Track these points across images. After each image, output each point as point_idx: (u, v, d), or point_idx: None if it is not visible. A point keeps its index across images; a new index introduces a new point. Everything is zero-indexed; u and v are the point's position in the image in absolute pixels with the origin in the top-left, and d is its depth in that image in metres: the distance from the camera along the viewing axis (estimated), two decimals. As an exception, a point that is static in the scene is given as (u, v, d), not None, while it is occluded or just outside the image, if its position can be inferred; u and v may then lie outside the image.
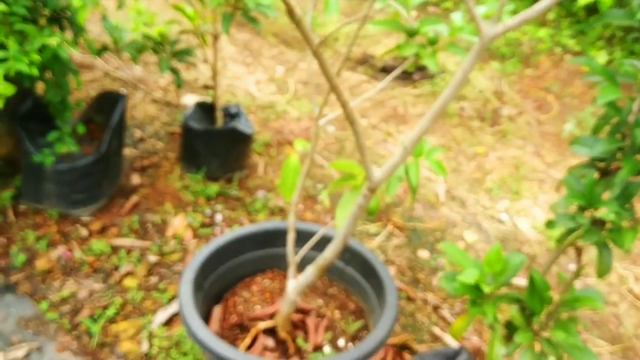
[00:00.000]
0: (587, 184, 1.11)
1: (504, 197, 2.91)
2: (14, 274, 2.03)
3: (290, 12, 0.85)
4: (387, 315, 1.36)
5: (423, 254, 2.48)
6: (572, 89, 4.03)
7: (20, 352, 1.68)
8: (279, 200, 2.61)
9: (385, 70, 3.93)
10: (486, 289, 1.13)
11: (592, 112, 3.58)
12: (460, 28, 1.54)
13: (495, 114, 3.64)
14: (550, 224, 1.12)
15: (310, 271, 1.36)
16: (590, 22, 4.53)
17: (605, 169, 1.18)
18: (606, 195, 1.11)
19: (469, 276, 1.15)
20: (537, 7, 0.89)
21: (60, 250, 2.14)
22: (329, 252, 1.28)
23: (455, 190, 2.90)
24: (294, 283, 1.40)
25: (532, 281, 1.14)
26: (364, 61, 3.98)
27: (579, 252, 1.17)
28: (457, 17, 1.58)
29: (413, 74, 3.87)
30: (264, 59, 3.92)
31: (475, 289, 1.17)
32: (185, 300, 1.35)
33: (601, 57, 4.23)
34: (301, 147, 1.58)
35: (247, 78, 3.68)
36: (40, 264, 2.08)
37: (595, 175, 1.18)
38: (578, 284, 2.37)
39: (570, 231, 1.13)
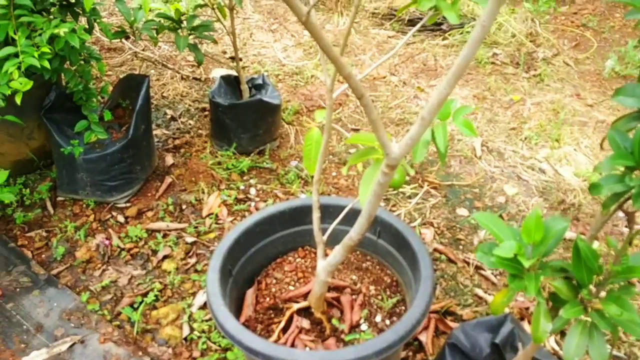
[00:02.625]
0: (635, 140, 0.98)
1: (543, 145, 2.77)
2: (55, 266, 2.06)
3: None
4: (423, 291, 1.30)
5: (462, 212, 2.40)
6: (611, 23, 3.77)
7: (64, 346, 1.71)
8: (313, 170, 2.56)
9: (414, 23, 3.77)
10: (526, 263, 1.05)
11: (634, 46, 3.35)
12: (483, -26, 1.41)
13: (530, 58, 3.45)
14: (594, 189, 1.01)
15: (338, 251, 1.31)
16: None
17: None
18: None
19: (507, 250, 1.07)
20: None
21: (98, 239, 2.16)
22: (355, 232, 1.23)
23: (492, 143, 2.78)
24: (324, 263, 1.36)
25: (577, 250, 1.05)
26: (391, 16, 3.83)
27: (630, 217, 1.06)
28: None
29: (442, 24, 3.70)
30: (290, 24, 3.81)
31: (514, 261, 1.09)
32: (212, 289, 1.32)
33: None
34: (321, 118, 1.51)
35: (274, 45, 3.59)
36: (80, 254, 2.10)
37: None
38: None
39: (618, 194, 1.02)
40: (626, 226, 2.27)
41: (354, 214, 1.42)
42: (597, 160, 2.65)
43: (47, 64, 1.81)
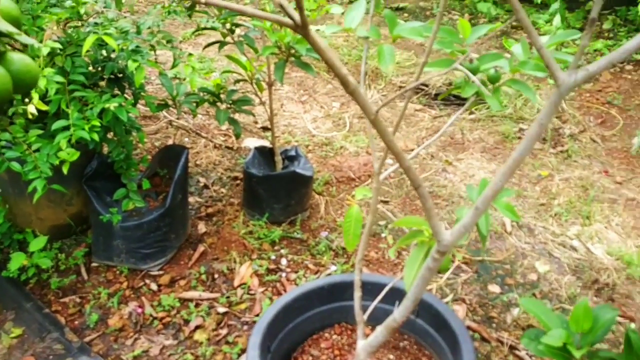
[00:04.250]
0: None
1: (574, 222, 2.77)
2: (87, 333, 2.07)
3: (344, 84, 0.82)
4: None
5: (494, 288, 2.38)
6: (636, 101, 3.83)
7: (97, 418, 1.70)
8: (342, 241, 2.58)
9: (438, 97, 3.86)
10: (577, 353, 1.05)
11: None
12: (523, 63, 1.46)
13: (557, 134, 3.49)
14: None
15: (380, 331, 1.31)
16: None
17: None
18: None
19: (556, 338, 1.07)
20: (625, 48, 0.81)
21: (131, 307, 2.17)
22: (399, 314, 1.23)
23: (521, 219, 2.78)
24: (364, 343, 1.36)
25: (629, 342, 1.05)
26: (418, 90, 3.92)
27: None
28: (517, 50, 1.51)
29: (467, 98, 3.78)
30: (319, 96, 3.93)
31: (564, 350, 1.09)
32: (255, 367, 1.33)
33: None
34: (361, 196, 1.54)
35: (304, 116, 3.69)
36: (113, 321, 2.11)
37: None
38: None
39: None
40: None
41: (392, 292, 1.43)
42: (629, 239, 2.64)
43: (96, 137, 1.88)
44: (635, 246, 2.59)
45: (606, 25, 4.75)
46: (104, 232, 2.31)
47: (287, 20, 0.64)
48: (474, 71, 1.45)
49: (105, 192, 2.35)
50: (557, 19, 3.75)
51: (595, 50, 4.29)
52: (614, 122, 3.63)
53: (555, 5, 3.98)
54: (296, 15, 0.62)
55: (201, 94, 2.44)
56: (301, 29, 0.63)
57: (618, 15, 4.77)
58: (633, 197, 2.93)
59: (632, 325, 2.15)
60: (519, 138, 3.47)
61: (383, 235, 2.66)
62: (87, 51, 1.92)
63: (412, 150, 3.34)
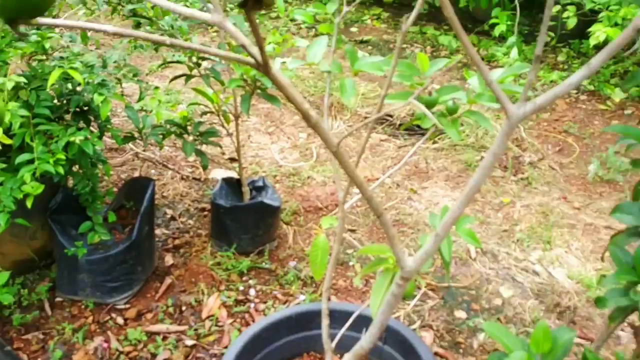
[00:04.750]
0: (636, 255, 1.06)
1: (535, 247, 2.84)
2: (52, 371, 2.03)
3: (306, 118, 0.86)
4: (432, 400, 1.32)
5: (460, 314, 2.42)
6: (591, 129, 3.98)
7: None
8: (310, 270, 2.59)
9: (401, 127, 3.95)
10: (535, 375, 1.09)
11: (615, 151, 3.52)
12: (479, 95, 1.52)
13: (517, 162, 3.60)
14: (600, 302, 1.07)
15: (348, 359, 1.32)
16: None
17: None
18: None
19: (516, 360, 1.10)
20: (568, 82, 0.86)
21: (97, 342, 2.14)
22: (366, 341, 1.25)
23: (485, 245, 2.84)
24: (333, 371, 1.37)
25: (583, 361, 1.09)
26: (383, 120, 4.00)
27: (636, 332, 1.11)
28: (474, 82, 1.57)
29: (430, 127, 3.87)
30: (286, 127, 3.97)
31: (523, 372, 1.12)
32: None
33: (616, 95, 4.21)
34: (328, 225, 1.57)
35: (271, 147, 3.72)
36: (78, 357, 2.07)
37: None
38: None
39: (623, 308, 1.07)
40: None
41: (360, 319, 1.45)
42: (588, 262, 2.72)
43: (61, 170, 1.87)
44: (594, 269, 2.67)
45: (561, 58, 4.95)
46: (69, 266, 2.28)
47: (249, 59, 0.67)
48: (432, 103, 1.50)
49: (70, 225, 2.32)
50: (514, 52, 3.90)
51: (551, 82, 4.46)
52: (571, 150, 3.76)
53: (512, 39, 4.14)
54: (258, 54, 0.65)
55: (168, 126, 2.45)
56: (263, 67, 0.66)
57: (572, 47, 4.98)
58: (591, 222, 3.03)
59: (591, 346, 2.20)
60: (482, 166, 3.56)
61: (351, 263, 2.68)
62: (53, 85, 1.93)
63: (378, 179, 3.39)
